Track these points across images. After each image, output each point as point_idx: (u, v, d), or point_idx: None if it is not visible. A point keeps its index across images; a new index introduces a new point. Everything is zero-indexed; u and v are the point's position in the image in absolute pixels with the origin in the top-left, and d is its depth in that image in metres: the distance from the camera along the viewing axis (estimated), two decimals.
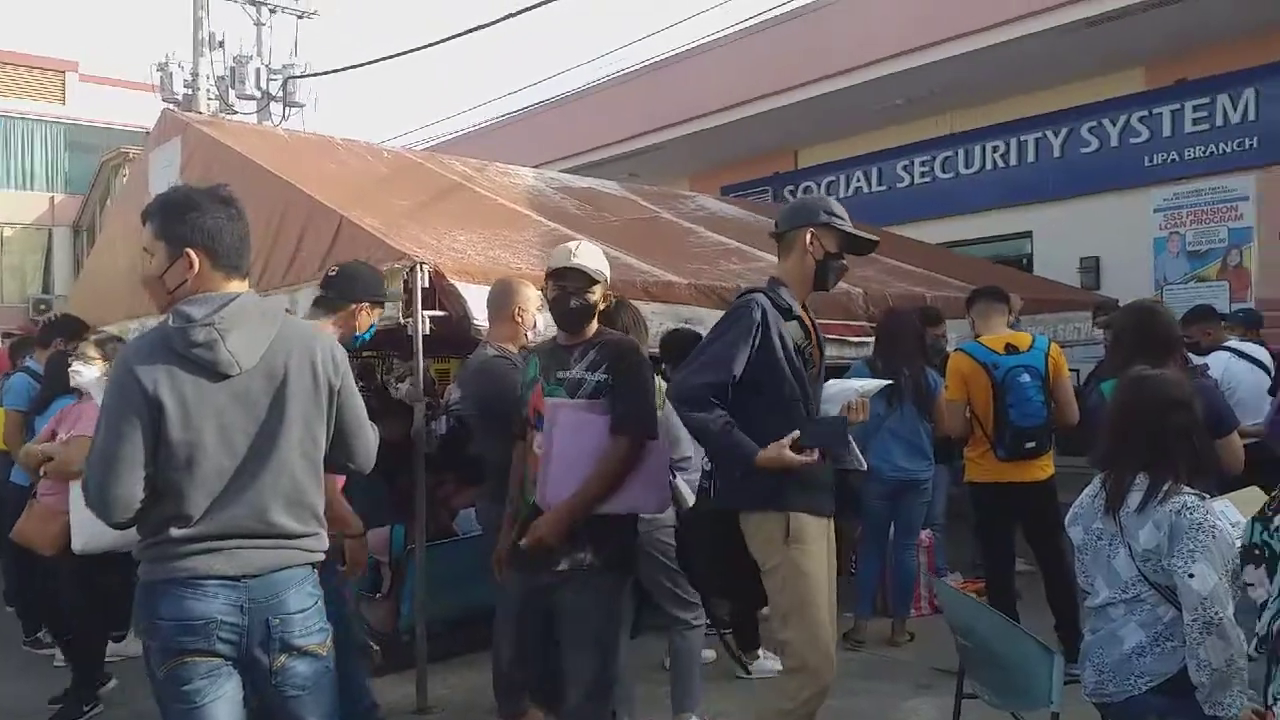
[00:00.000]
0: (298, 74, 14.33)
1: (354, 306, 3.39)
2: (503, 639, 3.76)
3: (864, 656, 4.92)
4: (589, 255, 3.14)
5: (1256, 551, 1.77)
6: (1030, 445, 4.62)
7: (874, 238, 3.17)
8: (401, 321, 4.18)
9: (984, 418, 4.65)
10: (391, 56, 17.48)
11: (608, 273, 3.18)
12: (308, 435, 2.18)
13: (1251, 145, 7.90)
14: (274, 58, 14.48)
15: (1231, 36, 7.74)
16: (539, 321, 3.92)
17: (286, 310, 2.37)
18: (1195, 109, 8.24)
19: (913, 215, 9.84)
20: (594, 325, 3.16)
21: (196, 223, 2.15)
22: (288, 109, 14.45)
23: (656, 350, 4.81)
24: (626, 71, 11.67)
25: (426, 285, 4.16)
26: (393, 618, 4.84)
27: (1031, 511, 4.65)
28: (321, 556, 2.25)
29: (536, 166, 8.71)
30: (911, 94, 9.26)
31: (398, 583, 4.89)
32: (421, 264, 4.14)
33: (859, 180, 10.72)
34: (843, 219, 3.11)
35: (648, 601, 4.00)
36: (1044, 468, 4.69)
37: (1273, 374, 5.25)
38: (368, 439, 2.37)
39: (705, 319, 5.08)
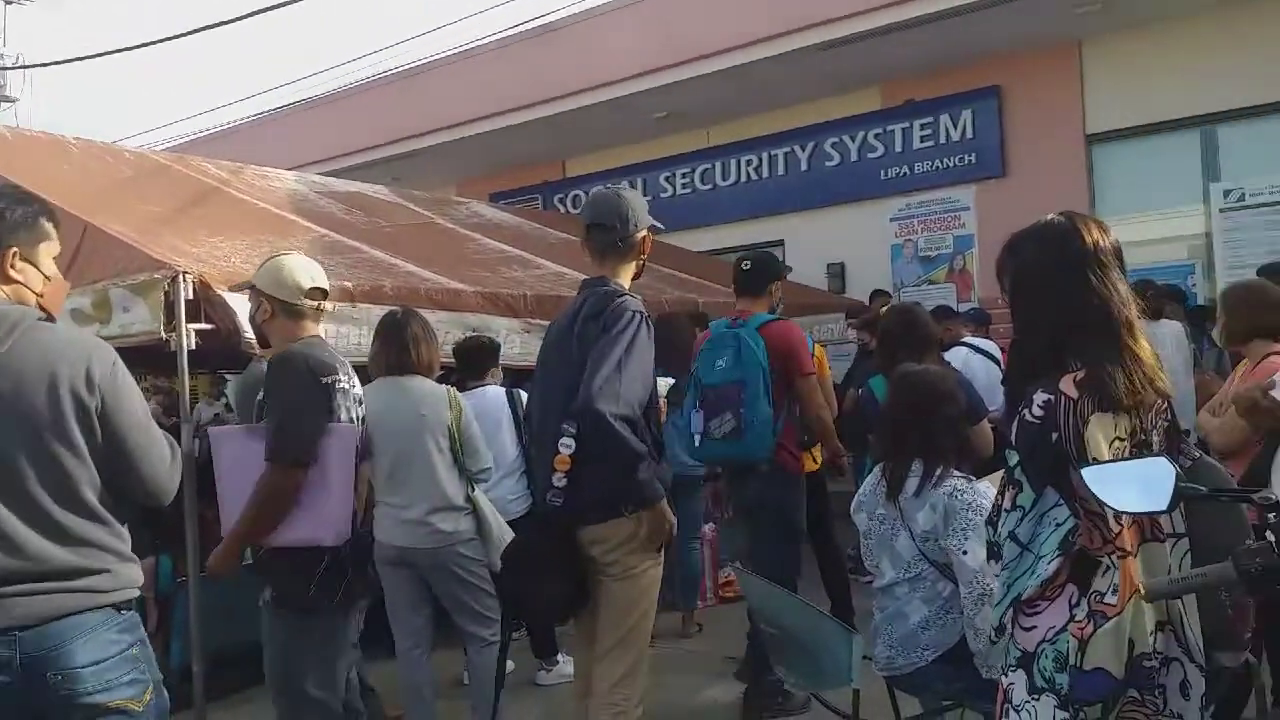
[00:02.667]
0: (7, 65, 12.79)
1: None
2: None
3: (659, 651, 5.04)
4: (263, 270, 3.02)
5: (993, 548, 1.96)
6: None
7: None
8: (164, 336, 3.85)
9: None
10: (119, 50, 15.95)
11: (292, 283, 2.97)
12: (54, 464, 1.95)
13: (970, 161, 8.80)
14: None
15: (953, 62, 8.59)
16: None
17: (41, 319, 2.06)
18: (922, 127, 9.06)
19: (677, 224, 10.13)
20: (276, 341, 3.00)
21: None
22: None
23: (451, 360, 4.73)
24: (389, 73, 11.31)
25: (190, 296, 3.85)
26: (162, 657, 4.43)
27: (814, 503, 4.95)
28: (123, 595, 2.03)
29: (298, 167, 8.26)
30: (671, 108, 9.58)
31: (165, 619, 4.49)
32: (185, 273, 3.83)
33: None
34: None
35: (444, 618, 3.91)
36: (814, 460, 5.00)
37: (1003, 366, 5.89)
38: (150, 466, 2.10)
39: (494, 327, 5.04)
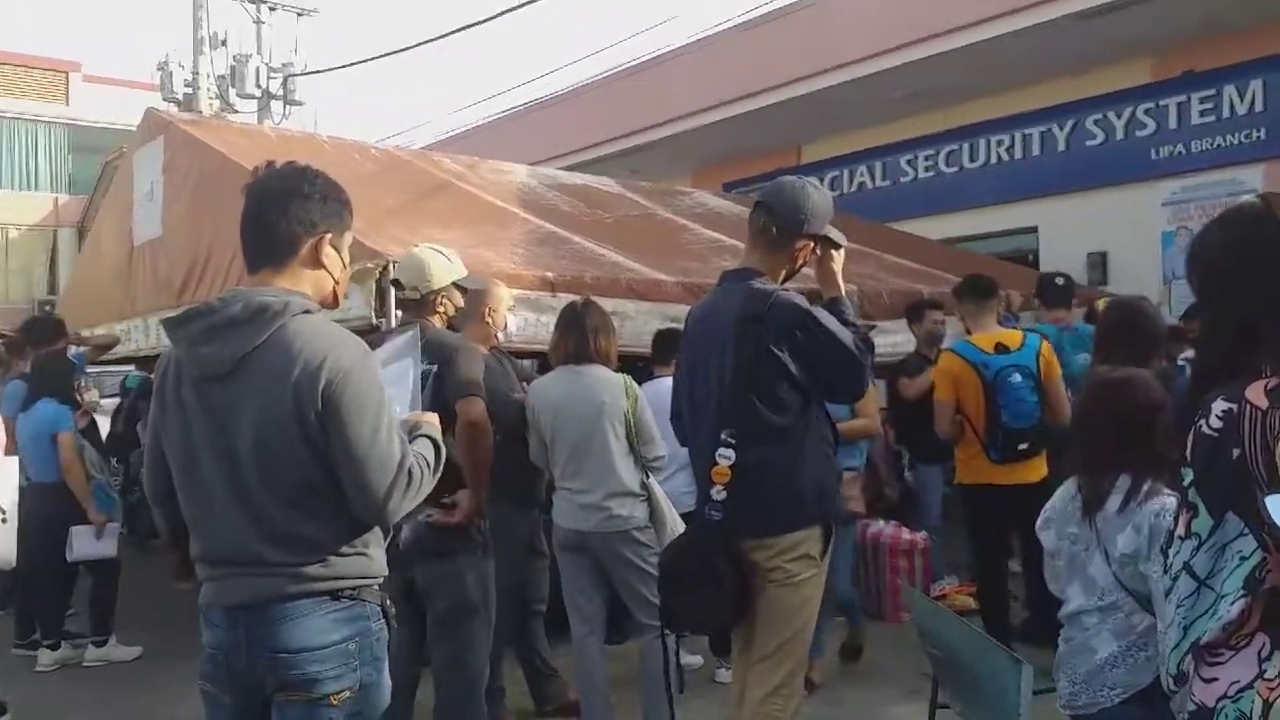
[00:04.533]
0: (297, 72, 14.31)
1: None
2: None
3: (851, 663, 4.83)
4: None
5: (1166, 584, 1.68)
6: (1023, 447, 4.51)
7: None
8: (375, 322, 4.12)
9: (975, 419, 4.55)
10: (388, 54, 17.47)
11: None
12: (275, 461, 1.94)
13: (1259, 137, 7.77)
14: (274, 56, 14.49)
15: (1238, 28, 7.60)
16: (510, 322, 3.86)
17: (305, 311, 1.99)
18: (1202, 101, 8.10)
19: (917, 211, 9.73)
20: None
21: None
22: (288, 107, 14.43)
23: (647, 350, 4.76)
24: (627, 65, 11.60)
25: None
26: None
27: (1024, 514, 4.54)
28: (338, 584, 1.99)
29: (534, 164, 8.64)
30: (914, 88, 9.14)
31: None
32: (394, 262, 4.08)
33: (863, 175, 10.60)
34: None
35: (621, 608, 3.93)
36: (1036, 469, 4.58)
37: (1193, 383, 5.10)
38: (363, 486, 1.94)
39: None
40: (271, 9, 14.41)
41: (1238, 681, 1.57)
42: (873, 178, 10.54)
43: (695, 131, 10.48)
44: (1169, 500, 2.53)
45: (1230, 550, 1.60)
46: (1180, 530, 1.67)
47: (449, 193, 6.22)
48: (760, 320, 2.72)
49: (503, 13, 10.55)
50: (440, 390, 3.10)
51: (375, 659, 2.04)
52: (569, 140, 11.52)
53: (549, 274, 4.70)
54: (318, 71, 14.26)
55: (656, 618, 3.74)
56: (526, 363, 4.96)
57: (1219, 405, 1.61)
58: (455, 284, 3.41)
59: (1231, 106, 7.93)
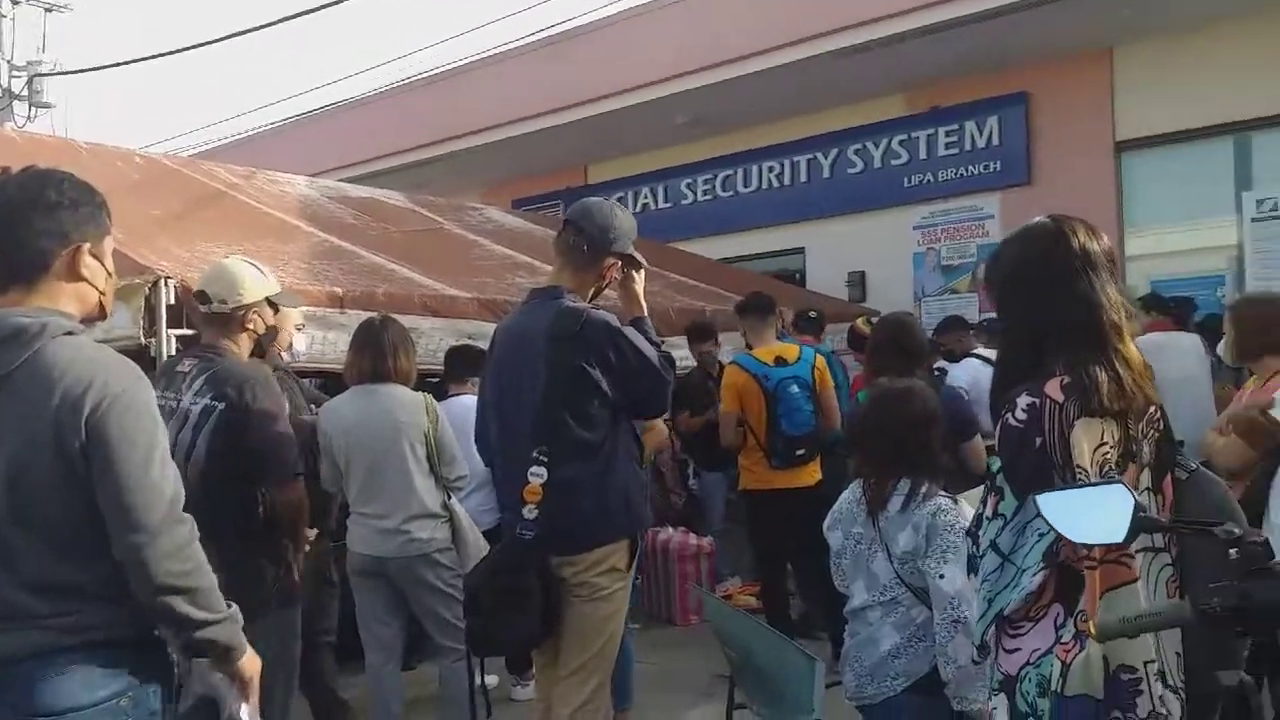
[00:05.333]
0: (45, 71, 13.01)
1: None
2: None
3: (641, 668, 4.94)
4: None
5: (973, 562, 1.87)
6: (800, 452, 4.82)
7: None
8: (144, 342, 3.82)
9: (757, 427, 4.80)
10: (153, 57, 16.24)
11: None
12: (33, 499, 1.77)
13: (996, 168, 8.61)
14: (17, 53, 13.12)
15: (978, 69, 8.40)
16: (298, 341, 3.69)
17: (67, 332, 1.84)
18: (947, 134, 8.88)
19: (697, 232, 10.10)
20: None
21: None
22: (34, 109, 13.10)
23: (442, 367, 4.68)
24: (417, 78, 11.36)
25: (172, 301, 3.83)
26: None
27: (802, 515, 4.82)
28: (99, 635, 1.79)
29: (315, 175, 8.29)
30: (693, 115, 9.50)
31: None
32: (166, 278, 3.81)
33: (646, 196, 10.90)
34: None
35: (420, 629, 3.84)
36: (812, 473, 4.90)
37: (996, 382, 5.70)
38: (126, 529, 1.77)
39: (489, 334, 4.97)
40: (15, 2, 13.01)
41: (1039, 649, 1.76)
42: (656, 199, 10.87)
43: (484, 148, 10.39)
44: (944, 501, 2.77)
45: (1031, 528, 1.78)
46: (988, 511, 1.85)
47: (223, 203, 5.88)
48: (573, 338, 2.76)
49: (283, 19, 10.12)
50: (224, 431, 2.84)
51: (151, 714, 1.84)
52: (353, 152, 11.12)
53: (337, 289, 4.53)
54: (71, 72, 13.02)
55: (458, 640, 3.69)
56: (307, 381, 4.76)
57: (1023, 400, 1.80)
58: (268, 300, 3.14)
59: (973, 140, 8.76)
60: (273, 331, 3.25)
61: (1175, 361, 4.84)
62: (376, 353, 3.66)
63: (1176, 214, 7.82)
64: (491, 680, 4.71)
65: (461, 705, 3.66)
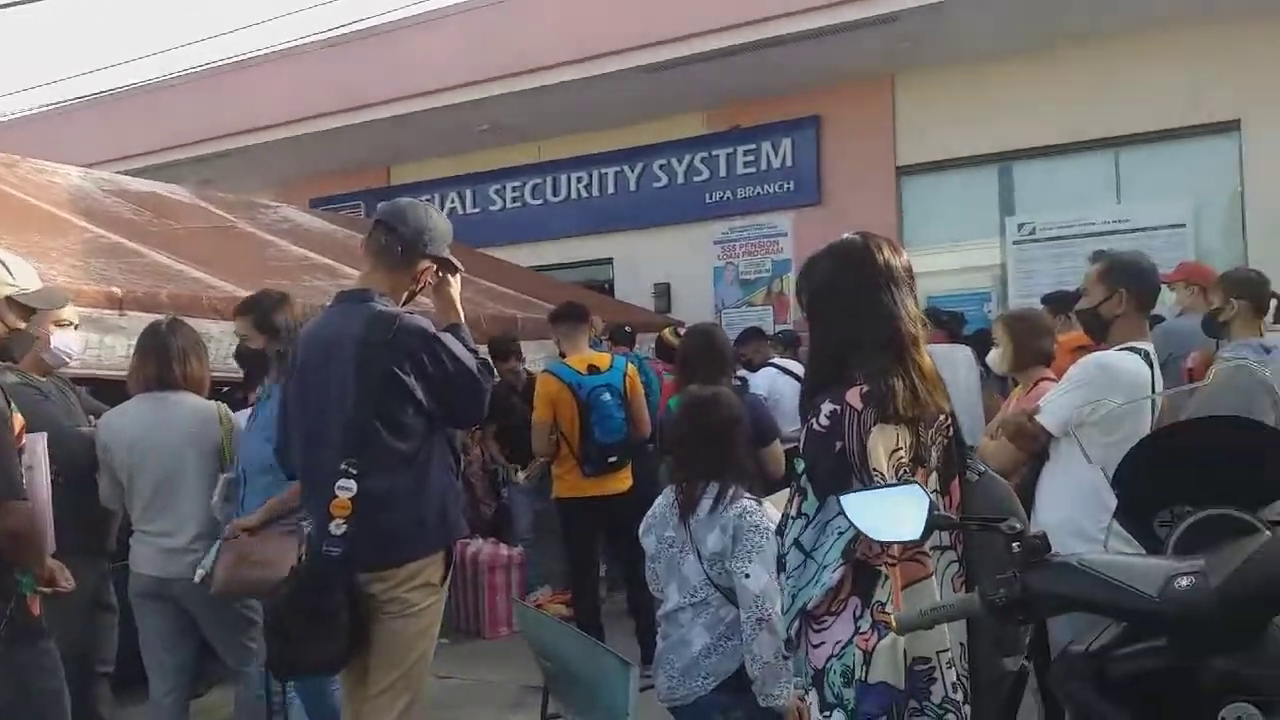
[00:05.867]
0: None
1: None
2: None
3: (456, 682, 4.86)
4: None
5: (780, 561, 1.96)
6: (613, 460, 4.87)
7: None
8: None
9: (570, 435, 4.82)
10: None
11: None
12: None
13: (789, 188, 9.05)
14: None
15: (774, 92, 8.81)
16: (72, 344, 3.38)
17: None
18: (745, 154, 9.26)
19: (506, 239, 10.02)
20: None
21: None
22: None
23: (234, 374, 4.39)
24: (202, 69, 10.65)
25: None
26: None
27: (616, 521, 4.88)
28: None
29: (90, 166, 7.61)
30: (494, 122, 9.42)
31: None
32: None
33: (453, 201, 10.72)
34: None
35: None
36: (624, 480, 4.97)
37: (804, 389, 6.02)
38: None
39: None
40: None
41: (840, 641, 1.85)
42: (463, 204, 10.70)
43: (279, 144, 9.87)
44: (749, 503, 2.88)
45: (831, 527, 1.88)
46: (793, 511, 1.93)
47: None
48: (386, 344, 2.64)
49: None
50: None
51: None
52: (133, 143, 10.29)
53: (115, 289, 4.18)
54: None
55: (252, 665, 3.48)
56: (82, 390, 4.36)
57: (826, 407, 1.90)
58: (11, 299, 2.72)
59: (769, 160, 9.17)
60: (24, 338, 2.84)
61: (948, 371, 5.23)
62: (163, 358, 3.39)
63: (948, 235, 8.50)
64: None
65: None
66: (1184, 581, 1.30)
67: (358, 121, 9.42)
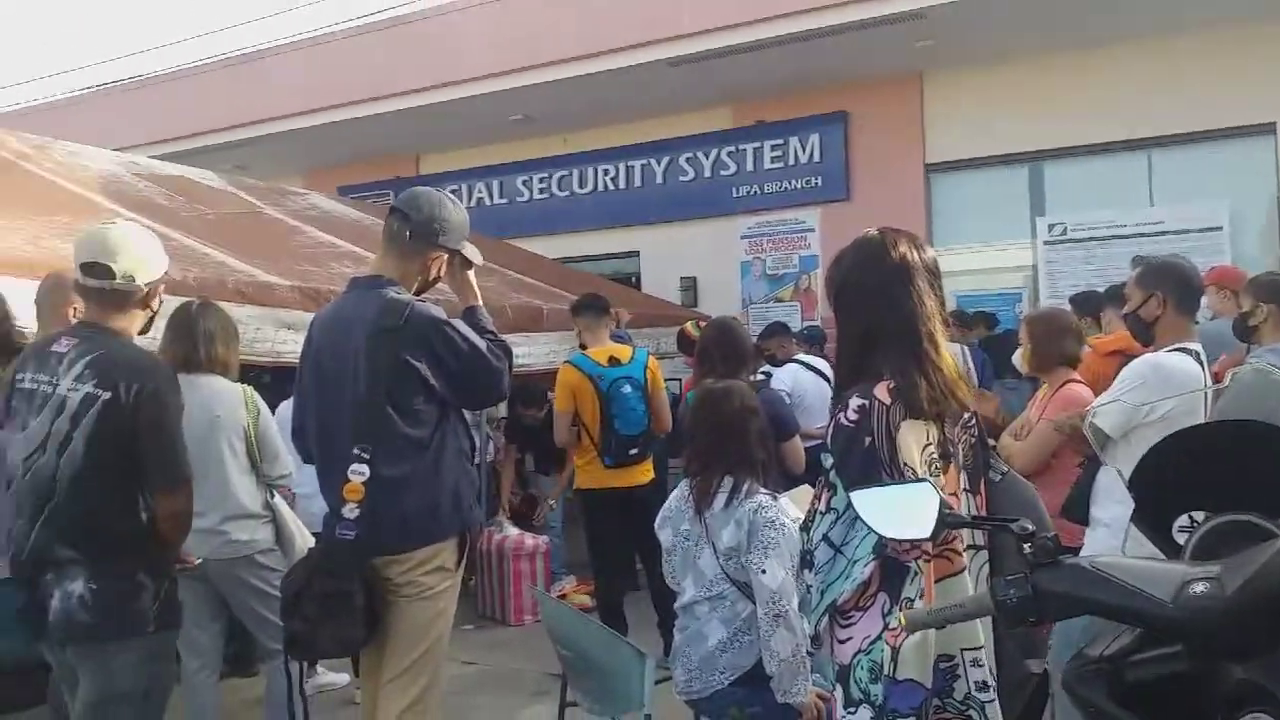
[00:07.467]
0: None
1: None
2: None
3: (479, 668, 4.89)
4: None
5: (806, 556, 1.94)
6: (633, 452, 4.88)
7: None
8: None
9: (591, 427, 4.83)
10: None
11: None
12: None
13: (817, 183, 9.00)
14: None
15: (802, 86, 8.76)
16: None
17: None
18: (773, 148, 9.21)
19: (532, 230, 10.05)
20: None
21: None
22: None
23: (259, 359, 4.45)
24: (233, 55, 10.74)
25: None
26: None
27: (636, 514, 4.89)
28: None
29: (122, 150, 7.71)
30: (525, 112, 9.44)
31: None
32: None
33: (481, 191, 10.76)
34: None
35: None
36: (646, 472, 4.98)
37: (834, 384, 6.01)
38: None
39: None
40: None
41: (869, 636, 1.84)
42: (490, 194, 10.74)
43: (309, 131, 9.93)
44: (764, 498, 2.88)
45: (859, 522, 1.82)
46: (821, 506, 1.92)
47: (11, 175, 5.36)
48: (396, 331, 2.66)
49: None
50: (107, 425, 2.50)
51: None
52: (165, 127, 10.39)
53: None
54: None
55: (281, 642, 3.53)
56: None
57: (854, 401, 1.89)
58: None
59: (795, 155, 9.12)
60: (54, 310, 2.98)
61: None
62: (190, 341, 3.44)
63: (978, 234, 8.42)
64: (340, 679, 4.56)
65: (281, 711, 3.51)
66: (1199, 587, 1.28)
67: (389, 110, 9.47)
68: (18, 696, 4.16)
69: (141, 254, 2.66)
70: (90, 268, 2.58)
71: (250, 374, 4.16)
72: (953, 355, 2.05)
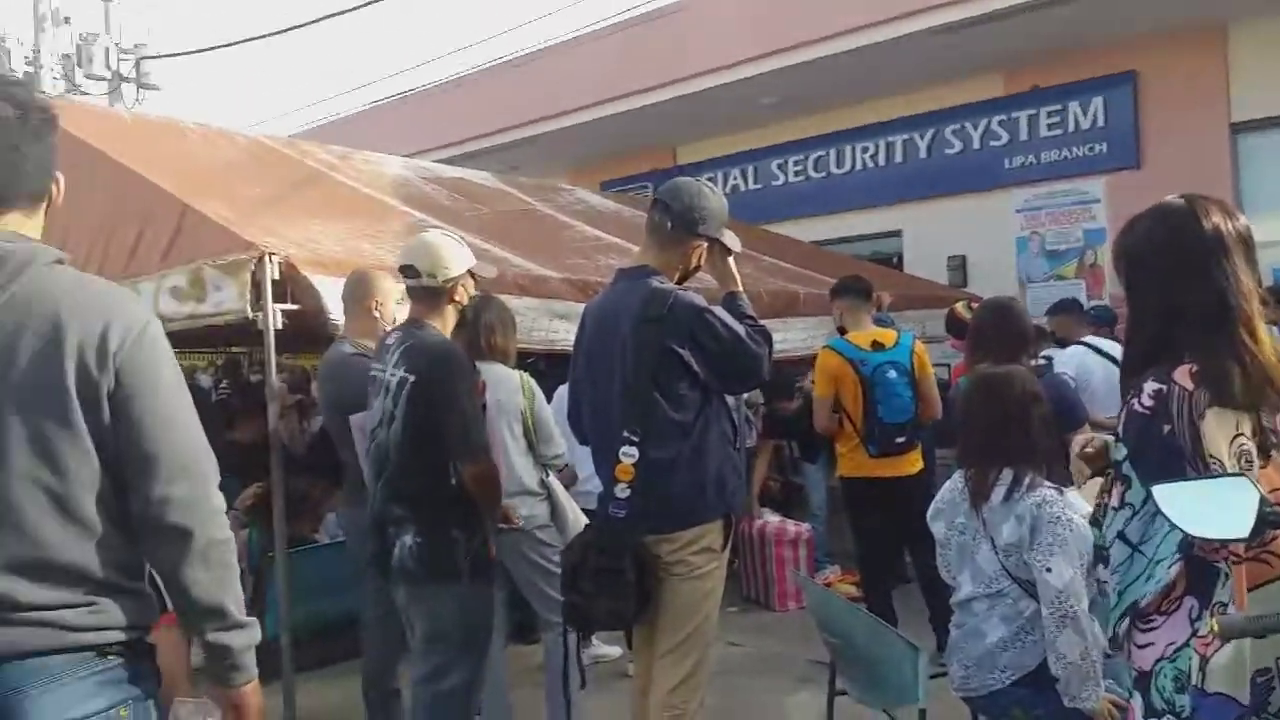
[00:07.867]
0: (150, 54, 13.47)
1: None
2: (370, 646, 3.67)
3: (743, 649, 4.92)
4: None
5: (1100, 552, 1.78)
6: (900, 440, 4.70)
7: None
8: (250, 316, 3.92)
9: (853, 414, 4.70)
10: (252, 39, 16.72)
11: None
12: (43, 455, 1.47)
13: (1101, 151, 8.27)
14: (125, 36, 13.59)
15: (1081, 47, 8.08)
16: (399, 316, 3.75)
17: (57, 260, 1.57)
18: (1049, 115, 8.57)
19: (788, 214, 9.97)
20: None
21: None
22: (141, 91, 13.57)
23: (534, 346, 4.71)
24: (506, 59, 11.44)
25: (276, 277, 3.91)
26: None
27: (902, 505, 4.71)
28: (107, 637, 1.52)
29: (408, 156, 8.42)
30: (781, 95, 9.35)
31: (260, 590, 4.63)
32: (270, 255, 3.90)
33: (736, 178, 10.80)
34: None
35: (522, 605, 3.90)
36: (914, 462, 4.78)
37: (1123, 367, 5.48)
38: (164, 480, 1.52)
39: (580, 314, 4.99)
40: None
41: (1174, 643, 1.68)
42: (745, 180, 10.75)
43: (573, 129, 10.42)
44: (1049, 493, 2.68)
45: (1160, 519, 1.68)
46: (1114, 501, 1.77)
47: (321, 184, 5.99)
48: (661, 321, 2.75)
49: (368, 2, 10.25)
50: (414, 403, 2.91)
51: None
52: (444, 133, 11.28)
53: None
54: (173, 55, 13.50)
55: (559, 614, 3.73)
56: None
57: (1150, 386, 1.72)
58: (469, 271, 3.16)
59: (1076, 121, 8.43)
60: (358, 305, 3.55)
61: None
62: (473, 331, 3.69)
63: None
64: (614, 651, 4.76)
65: (559, 679, 3.70)
66: None
67: (646, 104, 9.71)
68: (335, 652, 4.66)
69: (440, 255, 3.07)
70: (404, 270, 3.11)
71: (527, 361, 4.40)
72: (1271, 338, 1.80)
